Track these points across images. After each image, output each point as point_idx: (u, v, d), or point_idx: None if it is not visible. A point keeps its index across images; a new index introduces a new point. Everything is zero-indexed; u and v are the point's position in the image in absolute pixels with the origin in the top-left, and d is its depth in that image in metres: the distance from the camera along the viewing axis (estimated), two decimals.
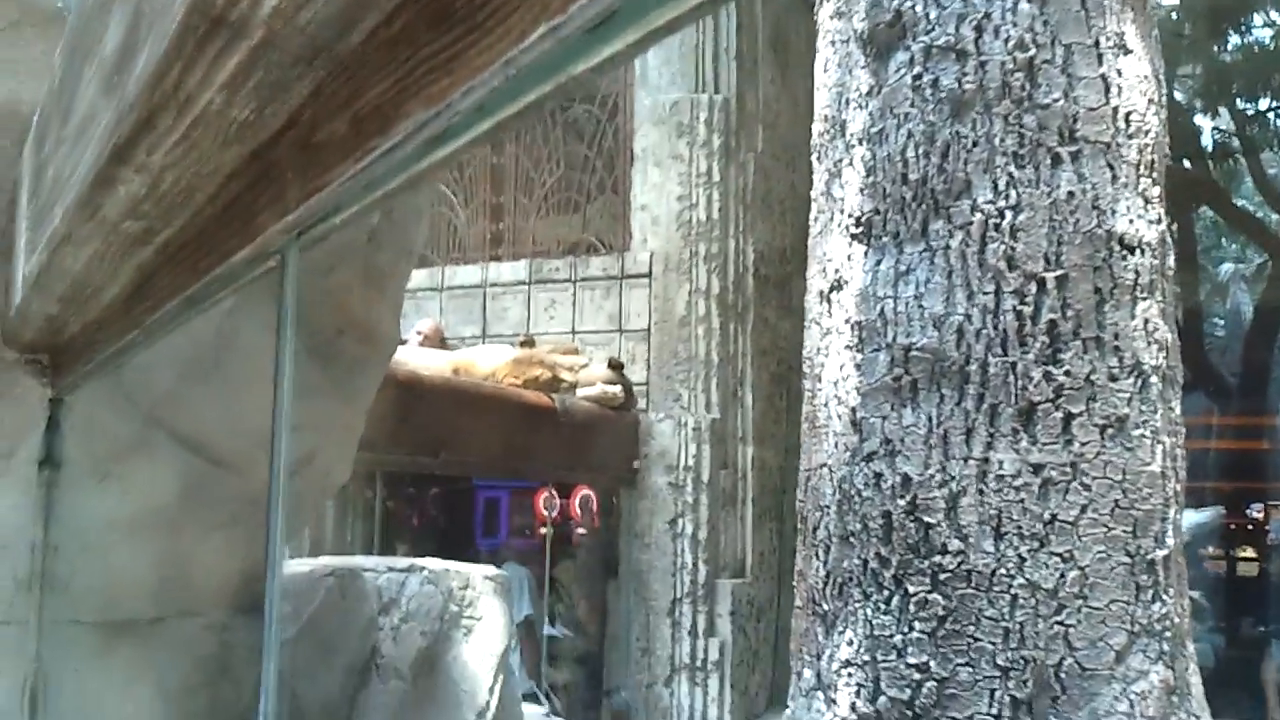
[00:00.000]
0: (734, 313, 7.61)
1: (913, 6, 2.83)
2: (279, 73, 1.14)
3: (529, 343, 7.20)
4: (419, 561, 4.17)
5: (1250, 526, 13.05)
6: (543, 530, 7.81)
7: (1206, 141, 12.86)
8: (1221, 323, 16.10)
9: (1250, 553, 12.79)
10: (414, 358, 6.20)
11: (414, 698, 3.83)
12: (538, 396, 6.56)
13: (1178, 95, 11.51)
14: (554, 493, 7.70)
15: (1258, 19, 11.50)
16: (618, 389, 7.05)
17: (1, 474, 2.73)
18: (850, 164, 2.83)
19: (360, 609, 3.80)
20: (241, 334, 2.74)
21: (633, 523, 7.49)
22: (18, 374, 2.70)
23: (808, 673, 2.85)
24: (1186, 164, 11.58)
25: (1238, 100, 11.91)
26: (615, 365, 7.16)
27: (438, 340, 7.34)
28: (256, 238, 1.42)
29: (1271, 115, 12.27)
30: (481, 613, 4.16)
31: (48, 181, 2.01)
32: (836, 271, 2.84)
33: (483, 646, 4.12)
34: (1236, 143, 12.64)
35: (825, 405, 2.83)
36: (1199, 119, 12.33)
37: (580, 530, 8.04)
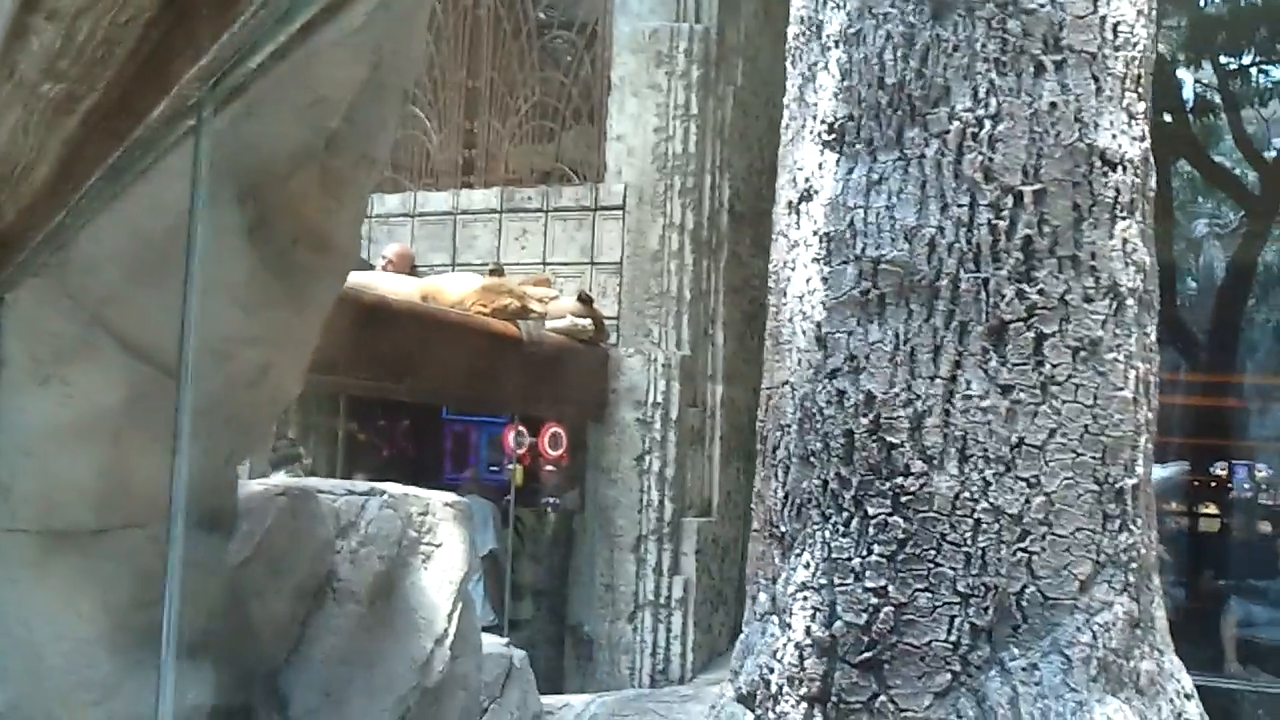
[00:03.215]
0: (708, 249, 7.52)
1: None
2: None
3: (498, 272, 7.10)
4: (379, 485, 4.09)
5: (1214, 483, 13.14)
6: (511, 466, 7.76)
7: (1188, 95, 12.75)
8: (1193, 279, 16.10)
9: (1213, 509, 12.90)
10: (382, 283, 6.10)
11: (370, 622, 3.76)
12: (505, 326, 6.46)
13: (1161, 47, 11.37)
14: (524, 429, 7.63)
15: None
16: (587, 322, 6.98)
17: None
18: (825, 67, 2.72)
19: (314, 531, 3.71)
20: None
21: (600, 458, 7.43)
22: None
23: (763, 596, 2.79)
24: (1167, 117, 11.48)
25: (1220, 54, 11.79)
26: (585, 298, 7.08)
27: (406, 266, 7.22)
28: (172, 89, 1.33)
29: (1254, 70, 12.16)
30: (441, 539, 4.09)
31: None
32: (807, 181, 2.74)
33: (442, 574, 4.05)
34: (1218, 98, 12.53)
35: (790, 320, 2.74)
36: (1181, 72, 12.21)
37: (549, 467, 7.99)
